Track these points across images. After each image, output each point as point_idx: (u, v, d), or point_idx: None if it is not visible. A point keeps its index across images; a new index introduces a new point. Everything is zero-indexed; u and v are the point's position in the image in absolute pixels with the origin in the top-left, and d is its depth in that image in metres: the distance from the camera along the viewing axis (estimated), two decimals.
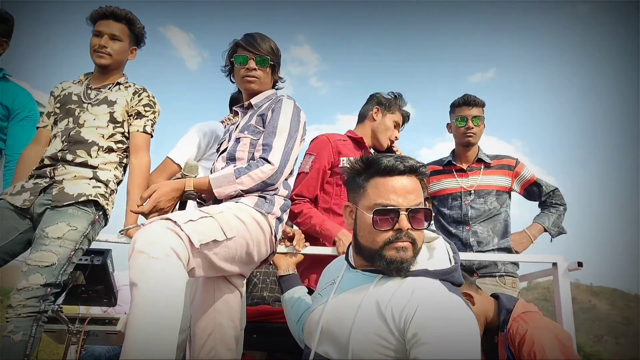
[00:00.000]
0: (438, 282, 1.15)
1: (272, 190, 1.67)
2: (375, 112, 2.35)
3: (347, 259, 1.36)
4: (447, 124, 2.63)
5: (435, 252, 1.24)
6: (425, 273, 1.17)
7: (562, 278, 2.07)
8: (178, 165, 2.18)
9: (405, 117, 2.40)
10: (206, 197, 1.71)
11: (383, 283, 1.17)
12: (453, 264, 1.23)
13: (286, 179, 1.75)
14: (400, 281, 1.16)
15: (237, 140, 1.76)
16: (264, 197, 1.63)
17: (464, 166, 2.52)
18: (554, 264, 2.10)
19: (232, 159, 1.74)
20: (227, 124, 2.34)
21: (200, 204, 1.72)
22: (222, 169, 1.72)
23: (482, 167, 2.50)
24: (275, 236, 1.67)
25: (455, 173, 2.52)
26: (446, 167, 2.57)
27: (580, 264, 2.04)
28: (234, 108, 1.96)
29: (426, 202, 1.32)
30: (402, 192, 1.18)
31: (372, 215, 1.18)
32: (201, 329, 1.63)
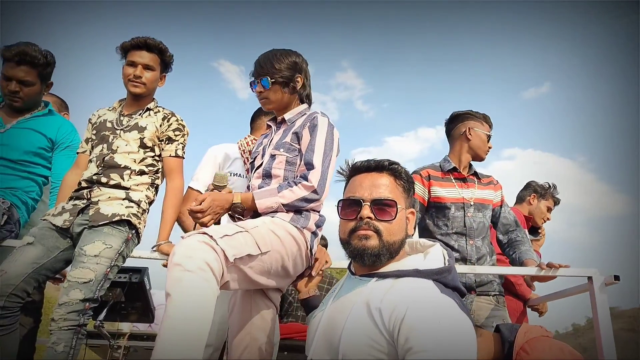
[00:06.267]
0: (431, 282, 1.14)
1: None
2: (532, 198, 3.22)
3: (349, 267, 1.39)
4: (469, 129, 2.41)
5: (429, 256, 1.24)
6: (416, 273, 1.16)
7: (599, 293, 1.95)
8: (198, 191, 2.32)
9: (557, 203, 3.29)
10: (246, 212, 1.74)
11: (377, 285, 1.18)
12: (447, 265, 1.22)
13: None
14: (393, 282, 1.16)
15: (273, 157, 1.78)
16: (300, 212, 1.65)
17: (465, 176, 2.40)
18: (589, 278, 1.99)
19: (268, 175, 1.76)
20: (241, 144, 2.44)
21: (238, 219, 1.74)
22: (259, 186, 1.75)
23: (476, 180, 2.43)
24: (310, 250, 1.68)
25: (454, 182, 2.37)
26: (445, 174, 2.39)
27: (617, 278, 1.92)
28: (267, 122, 1.99)
29: (410, 202, 1.32)
30: (367, 185, 1.29)
31: (337, 206, 1.32)
32: (237, 343, 1.65)
